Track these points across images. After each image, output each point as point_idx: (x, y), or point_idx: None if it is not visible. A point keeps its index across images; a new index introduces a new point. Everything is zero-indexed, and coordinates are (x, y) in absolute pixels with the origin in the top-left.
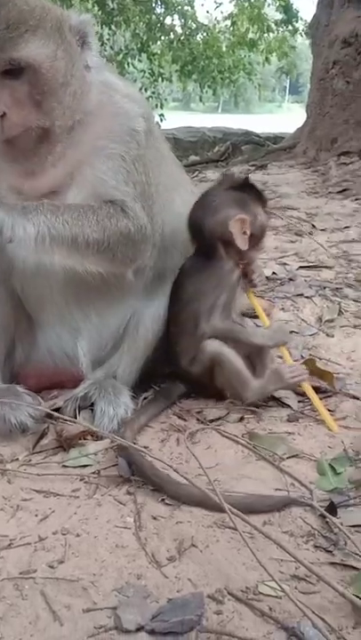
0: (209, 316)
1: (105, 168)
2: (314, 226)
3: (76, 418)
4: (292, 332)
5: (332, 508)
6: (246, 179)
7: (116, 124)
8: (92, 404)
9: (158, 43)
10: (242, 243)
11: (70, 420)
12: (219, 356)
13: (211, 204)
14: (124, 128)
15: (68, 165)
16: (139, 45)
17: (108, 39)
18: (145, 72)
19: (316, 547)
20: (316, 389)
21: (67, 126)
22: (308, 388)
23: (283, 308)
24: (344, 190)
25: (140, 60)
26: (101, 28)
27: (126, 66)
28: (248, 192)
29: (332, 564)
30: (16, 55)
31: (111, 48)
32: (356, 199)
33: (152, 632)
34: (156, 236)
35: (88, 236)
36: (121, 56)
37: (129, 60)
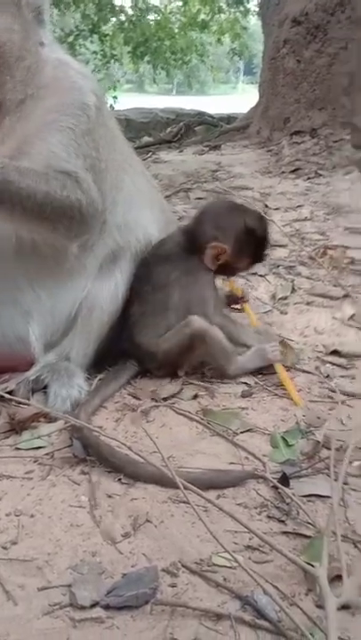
0: (203, 310)
1: (55, 141)
2: (267, 205)
3: (28, 400)
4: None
5: (284, 479)
6: (265, 229)
7: (68, 98)
8: (45, 387)
9: (109, 24)
10: (210, 263)
11: (23, 403)
12: (205, 332)
13: (220, 215)
14: (75, 102)
15: (18, 140)
16: (90, 26)
17: (58, 20)
18: (97, 53)
19: (269, 517)
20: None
21: (17, 100)
22: (279, 366)
23: None
24: (297, 170)
25: (91, 42)
26: (50, 8)
27: (78, 47)
28: (255, 239)
29: (285, 533)
30: None
31: (61, 29)
32: (309, 178)
33: (107, 607)
34: (107, 214)
35: (34, 203)
36: (72, 37)
37: (80, 41)
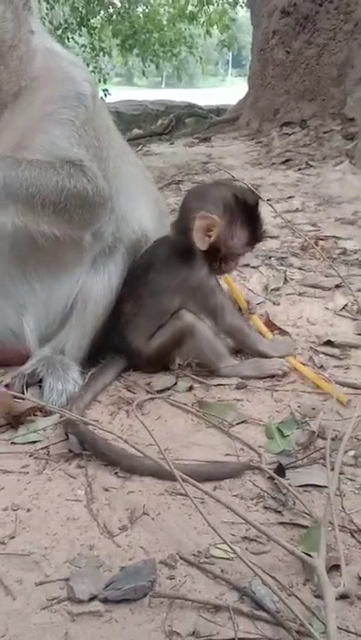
0: (221, 319)
1: (57, 133)
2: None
3: (23, 394)
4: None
5: (280, 470)
6: (256, 205)
7: (64, 90)
8: (41, 381)
9: (98, 17)
10: (199, 241)
11: (18, 397)
12: (193, 327)
13: (205, 191)
14: (71, 93)
15: (18, 133)
16: (78, 19)
17: (47, 13)
18: (86, 47)
19: (265, 508)
20: None
21: (12, 92)
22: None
23: None
24: (287, 161)
25: (80, 35)
26: (39, 2)
27: (66, 40)
28: (246, 208)
29: (282, 523)
30: None
31: (50, 23)
32: (299, 169)
33: (105, 600)
34: (113, 202)
35: (45, 196)
36: (61, 31)
37: (69, 34)
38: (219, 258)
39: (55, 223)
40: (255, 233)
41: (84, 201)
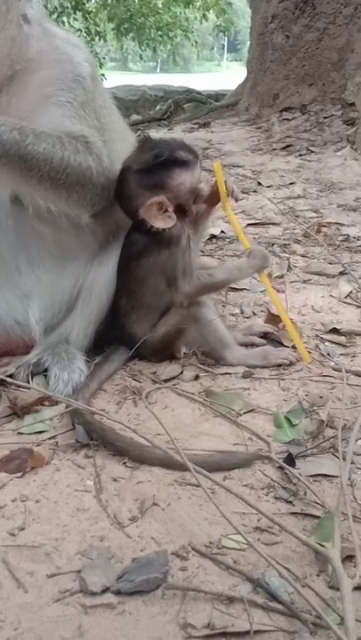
0: (177, 287)
1: (57, 114)
2: (260, 183)
3: (29, 384)
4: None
5: (290, 460)
6: (155, 155)
7: (61, 71)
8: (46, 370)
9: (93, 1)
10: (163, 223)
11: (24, 386)
12: (197, 314)
13: (127, 186)
14: (69, 75)
15: (17, 116)
16: (73, 3)
17: None
18: (81, 31)
19: (276, 498)
20: None
21: (6, 76)
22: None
23: None
24: (288, 146)
25: (75, 19)
26: None
27: (61, 25)
28: (161, 167)
29: (293, 513)
30: None
31: (45, 7)
32: (300, 155)
33: (118, 592)
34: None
35: (46, 170)
36: (56, 15)
37: (64, 18)
38: (191, 208)
39: (52, 198)
40: (187, 164)
41: (86, 180)
